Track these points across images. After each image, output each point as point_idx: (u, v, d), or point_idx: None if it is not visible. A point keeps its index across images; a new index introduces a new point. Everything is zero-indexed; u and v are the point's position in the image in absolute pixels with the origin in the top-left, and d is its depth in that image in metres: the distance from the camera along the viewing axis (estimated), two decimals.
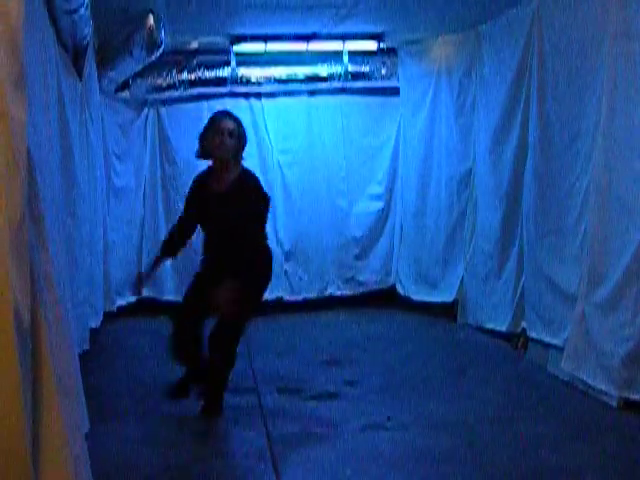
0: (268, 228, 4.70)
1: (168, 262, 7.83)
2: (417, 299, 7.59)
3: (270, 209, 4.65)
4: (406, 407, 4.68)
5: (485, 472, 3.67)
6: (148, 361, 5.81)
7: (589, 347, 4.67)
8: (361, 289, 8.17)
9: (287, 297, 8.00)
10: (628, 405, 4.32)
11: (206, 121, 4.62)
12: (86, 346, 5.21)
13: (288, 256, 8.08)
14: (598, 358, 4.56)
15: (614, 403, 4.41)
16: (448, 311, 7.11)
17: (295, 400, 4.92)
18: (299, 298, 8.03)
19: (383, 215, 8.18)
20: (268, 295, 8.04)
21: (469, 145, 6.75)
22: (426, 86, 7.40)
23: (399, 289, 7.98)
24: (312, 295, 8.06)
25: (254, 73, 7.58)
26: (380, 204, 8.15)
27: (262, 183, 4.59)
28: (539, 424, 4.29)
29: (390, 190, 8.16)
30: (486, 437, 4.13)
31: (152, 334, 6.84)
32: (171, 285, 7.88)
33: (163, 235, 7.86)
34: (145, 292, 7.80)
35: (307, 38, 7.00)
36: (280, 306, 7.78)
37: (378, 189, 8.16)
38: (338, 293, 8.15)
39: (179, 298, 7.64)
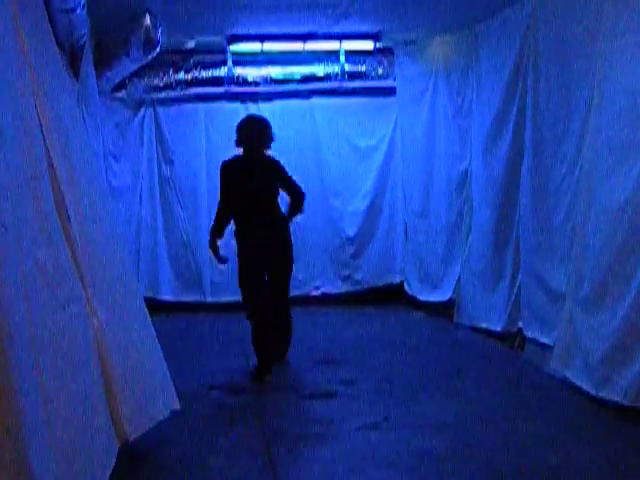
0: None
1: (166, 263, 7.89)
2: (422, 299, 7.60)
3: None
4: (403, 407, 4.68)
5: (481, 472, 3.67)
6: None
7: (576, 346, 4.68)
8: (358, 287, 8.18)
9: None
10: (620, 405, 4.32)
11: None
12: None
13: None
14: (583, 357, 4.58)
15: (609, 403, 4.40)
16: (446, 310, 7.11)
17: (292, 399, 4.92)
18: (295, 296, 8.03)
19: (379, 214, 8.19)
20: None
21: (467, 145, 6.76)
22: (423, 86, 7.40)
23: (407, 288, 7.99)
24: (307, 294, 8.07)
25: (251, 73, 7.59)
26: (376, 203, 8.16)
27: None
28: (536, 424, 4.29)
29: (384, 189, 8.17)
30: (483, 437, 4.13)
31: None
32: (168, 285, 7.89)
33: (161, 234, 7.92)
34: (142, 292, 7.82)
35: (304, 38, 7.00)
36: None
37: (373, 189, 8.16)
38: (334, 291, 8.16)
39: (177, 298, 7.83)
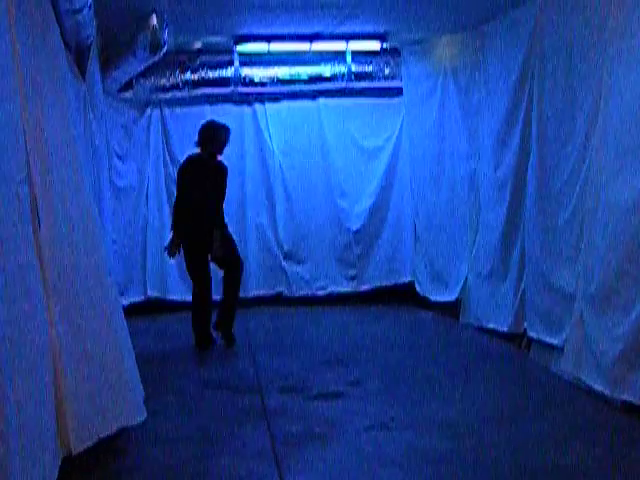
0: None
1: (174, 264, 7.89)
2: (434, 299, 7.59)
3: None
4: (410, 407, 4.67)
5: (488, 472, 3.66)
6: (152, 362, 5.80)
7: (587, 347, 4.66)
8: (364, 287, 8.17)
9: (290, 296, 8.02)
10: (630, 405, 4.31)
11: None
12: None
13: (290, 256, 8.09)
14: (595, 358, 4.55)
15: (617, 403, 4.39)
16: (453, 310, 7.10)
17: (298, 400, 4.91)
18: (301, 296, 8.05)
19: (385, 214, 8.19)
20: (270, 292, 8.19)
21: (475, 145, 6.73)
22: (431, 86, 7.39)
23: (418, 288, 7.98)
24: (314, 293, 8.07)
25: (257, 73, 7.59)
26: (382, 203, 8.16)
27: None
28: (542, 424, 4.28)
29: (391, 189, 8.17)
30: (490, 437, 4.12)
31: (157, 334, 6.85)
32: (176, 286, 7.90)
33: (167, 234, 7.89)
34: (150, 292, 7.84)
35: (310, 38, 7.00)
36: (283, 304, 7.79)
37: (379, 189, 8.16)
38: (341, 291, 8.15)
39: (184, 298, 7.83)
